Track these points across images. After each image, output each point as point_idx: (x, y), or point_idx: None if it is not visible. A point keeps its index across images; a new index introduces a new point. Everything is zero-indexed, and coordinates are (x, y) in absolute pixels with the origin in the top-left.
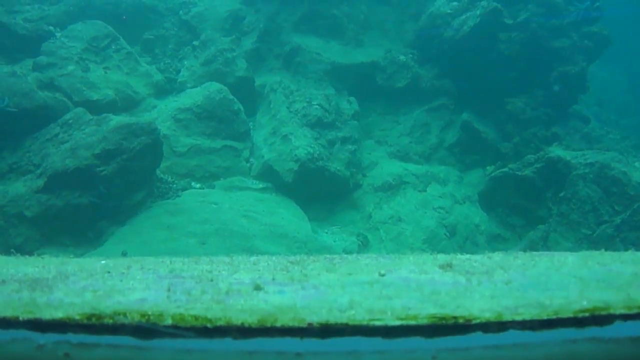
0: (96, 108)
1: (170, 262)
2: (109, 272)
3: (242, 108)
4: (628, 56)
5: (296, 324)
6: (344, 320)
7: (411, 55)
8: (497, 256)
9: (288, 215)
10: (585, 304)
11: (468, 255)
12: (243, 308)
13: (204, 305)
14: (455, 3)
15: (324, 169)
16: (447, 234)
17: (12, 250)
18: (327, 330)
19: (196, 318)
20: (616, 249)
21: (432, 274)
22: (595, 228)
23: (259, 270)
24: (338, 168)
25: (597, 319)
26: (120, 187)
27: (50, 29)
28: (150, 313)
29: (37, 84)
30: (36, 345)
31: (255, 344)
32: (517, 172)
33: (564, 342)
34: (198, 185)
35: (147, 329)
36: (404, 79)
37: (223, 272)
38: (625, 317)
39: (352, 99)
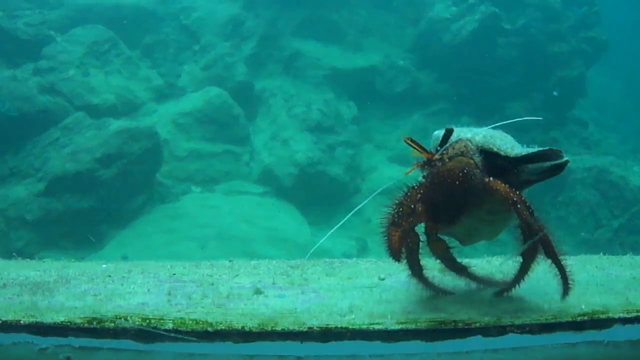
0: (96, 112)
1: (171, 266)
2: (109, 276)
3: (242, 112)
4: (626, 61)
5: (296, 328)
6: (344, 324)
7: (410, 60)
8: (496, 260)
9: (288, 219)
10: (584, 307)
11: (467, 260)
12: (244, 312)
13: (204, 309)
14: (454, 8)
15: (324, 173)
16: (447, 237)
17: (13, 254)
18: (327, 334)
19: (197, 322)
20: (614, 253)
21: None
22: (593, 232)
23: (259, 274)
24: (337, 172)
25: (596, 322)
26: (120, 191)
27: (51, 34)
28: (151, 317)
29: (38, 89)
30: (38, 348)
31: (256, 348)
32: None
33: (563, 346)
34: (198, 190)
35: (148, 333)
36: (403, 84)
37: (223, 276)
38: (624, 321)
39: (351, 103)
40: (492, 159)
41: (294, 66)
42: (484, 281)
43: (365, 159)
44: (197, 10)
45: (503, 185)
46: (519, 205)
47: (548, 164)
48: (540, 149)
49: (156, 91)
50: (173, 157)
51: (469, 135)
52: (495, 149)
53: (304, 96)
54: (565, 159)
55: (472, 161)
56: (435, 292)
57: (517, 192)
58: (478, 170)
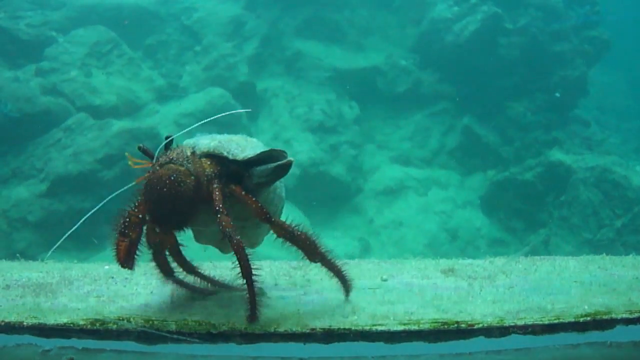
0: (98, 113)
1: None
2: (112, 277)
3: (244, 113)
4: (628, 60)
5: (299, 329)
6: (347, 326)
7: (412, 60)
8: (499, 261)
9: (290, 220)
10: (586, 308)
11: (470, 260)
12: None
13: (207, 311)
14: (456, 8)
15: (326, 173)
16: (449, 238)
17: (17, 255)
18: (330, 336)
19: (200, 323)
20: (617, 253)
21: (435, 279)
22: (596, 232)
23: (261, 276)
24: (339, 172)
25: (599, 323)
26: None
27: (53, 35)
28: (154, 318)
29: (40, 89)
30: (41, 350)
31: (259, 349)
32: (518, 176)
33: (566, 347)
34: None
35: (151, 335)
36: (405, 84)
37: (226, 277)
38: (627, 322)
39: (353, 103)
40: (228, 164)
41: (296, 66)
42: (218, 284)
43: (368, 159)
44: (198, 11)
45: (217, 192)
46: (219, 216)
47: (273, 165)
48: (264, 150)
49: (158, 92)
50: None
51: (206, 141)
52: (225, 153)
53: (306, 96)
54: (289, 159)
55: (181, 168)
56: (193, 292)
57: (249, 195)
58: (190, 177)
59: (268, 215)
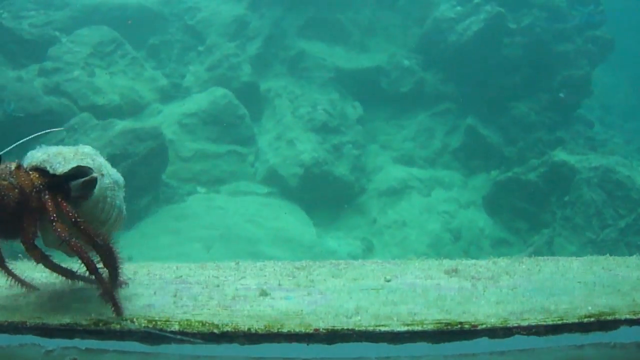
0: (102, 113)
1: (177, 267)
2: None
3: (247, 113)
4: (632, 60)
5: (302, 330)
6: (350, 326)
7: (415, 60)
8: (503, 261)
9: (293, 220)
10: (590, 309)
11: (473, 261)
12: (250, 314)
13: (210, 311)
14: (459, 8)
15: (329, 173)
16: (452, 238)
17: (19, 255)
18: (333, 336)
19: (203, 324)
20: (621, 253)
21: (438, 280)
22: (599, 232)
23: (265, 276)
24: (343, 173)
25: (603, 324)
26: (125, 192)
27: (56, 34)
28: (157, 319)
29: (43, 89)
30: (44, 350)
31: (262, 350)
32: (521, 177)
33: (570, 348)
34: (203, 190)
35: (154, 335)
36: (409, 84)
37: (229, 277)
38: (631, 322)
39: (356, 103)
40: (52, 177)
41: (299, 66)
42: (103, 288)
43: (371, 159)
44: (202, 11)
45: (49, 202)
46: (54, 224)
47: (81, 180)
48: (73, 166)
49: (161, 92)
50: (178, 157)
51: (38, 155)
52: (47, 167)
53: (309, 96)
54: (92, 175)
55: (4, 182)
56: (22, 286)
57: (64, 203)
58: (14, 191)
59: (74, 220)
